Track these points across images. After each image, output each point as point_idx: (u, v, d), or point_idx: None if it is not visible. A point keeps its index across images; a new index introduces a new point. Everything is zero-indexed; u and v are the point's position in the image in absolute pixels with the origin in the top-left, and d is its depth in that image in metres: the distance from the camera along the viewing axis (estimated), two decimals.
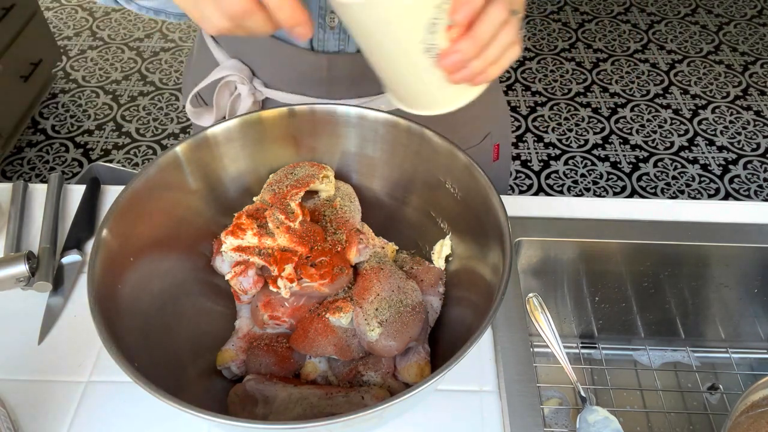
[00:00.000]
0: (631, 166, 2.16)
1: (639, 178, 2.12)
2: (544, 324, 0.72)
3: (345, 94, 0.75)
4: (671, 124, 2.32)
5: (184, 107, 0.82)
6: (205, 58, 0.82)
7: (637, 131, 2.29)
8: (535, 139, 2.27)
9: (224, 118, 0.79)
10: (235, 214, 0.62)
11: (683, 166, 2.16)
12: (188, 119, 2.29)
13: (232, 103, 0.77)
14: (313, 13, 0.68)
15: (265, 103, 0.78)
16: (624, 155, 2.20)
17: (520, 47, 0.49)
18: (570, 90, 2.47)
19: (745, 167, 2.15)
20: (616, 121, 2.33)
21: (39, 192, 0.83)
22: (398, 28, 0.46)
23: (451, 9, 0.45)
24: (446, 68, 0.47)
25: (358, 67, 0.73)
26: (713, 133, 2.28)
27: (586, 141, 2.26)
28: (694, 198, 2.06)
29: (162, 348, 0.56)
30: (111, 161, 2.15)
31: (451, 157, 0.61)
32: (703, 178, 2.12)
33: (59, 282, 0.73)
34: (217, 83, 0.76)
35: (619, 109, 2.38)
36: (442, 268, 0.65)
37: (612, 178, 2.12)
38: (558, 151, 2.22)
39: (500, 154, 0.91)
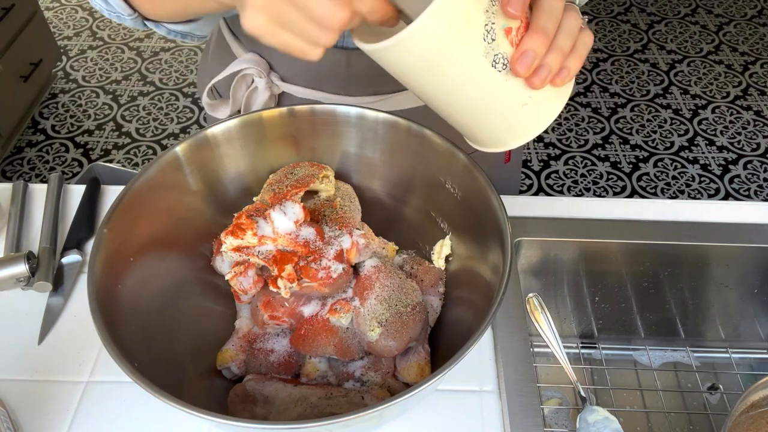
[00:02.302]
0: (631, 166, 2.16)
1: (639, 178, 2.12)
2: (544, 324, 0.72)
3: (362, 91, 0.75)
4: (671, 124, 2.32)
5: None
6: (222, 50, 0.82)
7: (637, 131, 2.29)
8: (535, 139, 2.27)
9: (239, 111, 0.80)
10: (235, 214, 0.62)
11: (683, 166, 2.16)
12: (188, 119, 2.29)
13: (249, 97, 0.77)
14: None
15: (282, 97, 0.78)
16: (624, 155, 2.20)
17: (590, 32, 0.46)
18: None
19: (745, 167, 2.15)
20: (616, 121, 2.33)
21: (39, 192, 0.83)
22: (454, 49, 0.41)
23: (501, 4, 0.41)
24: (522, 72, 0.43)
25: (376, 65, 0.72)
26: (713, 133, 2.28)
27: (586, 141, 2.26)
28: (694, 198, 2.06)
29: (162, 348, 0.56)
30: (111, 161, 2.15)
31: (451, 157, 0.61)
32: (703, 178, 2.12)
33: (59, 282, 0.73)
34: (234, 76, 0.76)
35: (619, 109, 2.38)
36: (442, 268, 0.65)
37: (612, 178, 2.12)
38: (558, 151, 2.22)
39: (512, 156, 0.91)
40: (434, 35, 0.40)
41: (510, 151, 0.90)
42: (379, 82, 0.74)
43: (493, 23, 0.41)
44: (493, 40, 0.42)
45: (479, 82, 0.43)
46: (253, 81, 0.77)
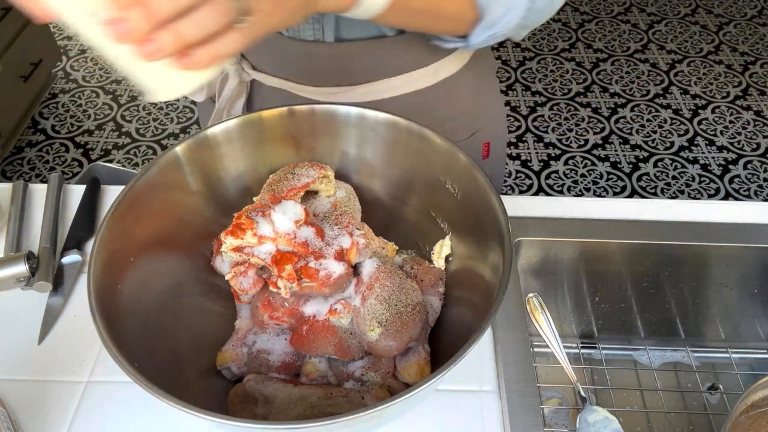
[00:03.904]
0: (631, 166, 2.16)
1: (639, 178, 2.12)
2: (544, 324, 0.72)
3: (326, 82, 0.77)
4: (671, 124, 2.32)
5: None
6: None
7: (637, 131, 2.29)
8: (535, 139, 2.27)
9: (213, 97, 0.84)
10: (235, 214, 0.62)
11: (683, 166, 2.16)
12: (188, 119, 2.29)
13: (221, 82, 0.81)
14: None
15: (253, 85, 0.81)
16: (624, 155, 2.20)
17: (241, 37, 0.44)
18: (570, 90, 2.47)
19: (745, 167, 2.15)
20: (616, 121, 2.33)
21: (39, 192, 0.83)
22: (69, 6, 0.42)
23: None
24: (118, 39, 0.42)
25: (337, 57, 0.75)
26: (713, 133, 2.28)
27: (586, 141, 2.26)
28: (694, 198, 2.06)
29: (162, 348, 0.56)
30: (111, 161, 2.15)
31: (451, 157, 0.61)
32: (703, 178, 2.12)
33: (59, 282, 0.73)
34: None
35: (619, 109, 2.38)
36: (442, 268, 0.65)
37: (612, 178, 2.12)
38: (558, 151, 2.22)
39: (491, 153, 0.91)
40: None
41: (489, 147, 0.89)
42: (341, 74, 0.76)
43: None
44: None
45: (92, 37, 0.44)
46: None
